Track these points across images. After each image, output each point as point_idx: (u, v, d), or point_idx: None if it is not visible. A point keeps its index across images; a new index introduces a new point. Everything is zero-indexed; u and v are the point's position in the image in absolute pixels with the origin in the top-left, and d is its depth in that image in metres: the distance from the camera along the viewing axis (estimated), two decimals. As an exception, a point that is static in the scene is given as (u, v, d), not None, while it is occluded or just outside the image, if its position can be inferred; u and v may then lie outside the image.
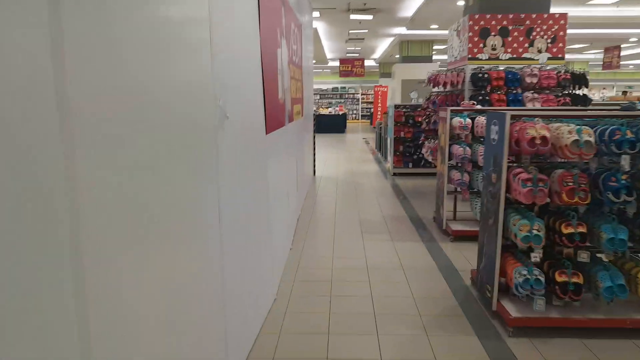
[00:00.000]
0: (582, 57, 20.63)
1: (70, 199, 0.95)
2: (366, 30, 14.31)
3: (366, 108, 27.64)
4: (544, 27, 6.11)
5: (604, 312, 2.96)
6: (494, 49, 6.22)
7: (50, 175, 0.89)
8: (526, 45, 6.17)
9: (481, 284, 3.38)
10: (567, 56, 6.70)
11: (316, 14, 11.32)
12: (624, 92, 21.53)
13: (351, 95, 27.99)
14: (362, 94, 27.89)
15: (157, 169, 1.39)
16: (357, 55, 21.71)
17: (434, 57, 15.66)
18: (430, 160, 7.07)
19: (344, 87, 27.97)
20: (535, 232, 2.87)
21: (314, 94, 26.30)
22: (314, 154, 9.26)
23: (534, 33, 6.13)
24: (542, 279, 2.89)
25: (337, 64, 22.53)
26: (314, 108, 20.94)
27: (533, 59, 6.18)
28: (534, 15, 6.10)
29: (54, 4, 0.91)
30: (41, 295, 0.86)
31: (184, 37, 1.66)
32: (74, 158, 0.96)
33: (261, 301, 3.06)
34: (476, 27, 6.18)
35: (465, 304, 3.40)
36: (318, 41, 16.06)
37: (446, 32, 13.86)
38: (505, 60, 6.21)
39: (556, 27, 6.10)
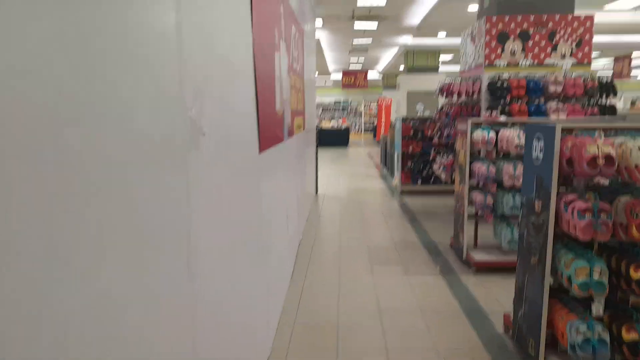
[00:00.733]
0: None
1: None
2: (370, 40, 13.83)
3: (369, 122, 27.13)
4: (568, 29, 5.54)
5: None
6: (513, 55, 5.64)
7: None
8: (549, 49, 5.60)
9: (520, 336, 2.75)
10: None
11: (319, 21, 10.84)
12: (633, 103, 20.90)
13: (354, 109, 27.52)
14: (365, 107, 27.42)
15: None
16: (361, 66, 21.27)
17: (440, 69, 15.13)
18: (442, 177, 6.47)
19: (347, 101, 27.53)
20: (596, 277, 2.25)
21: (317, 107, 25.92)
22: (317, 170, 8.67)
23: (557, 37, 5.57)
24: (607, 338, 2.26)
25: (339, 77, 22.12)
26: (316, 121, 20.49)
27: (556, 66, 5.60)
28: (557, 17, 5.53)
29: None
30: None
31: (131, 17, 1.08)
32: None
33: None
34: (494, 31, 5.62)
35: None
36: (321, 52, 15.61)
37: (454, 40, 13.41)
38: (525, 67, 5.63)
39: (582, 29, 5.53)
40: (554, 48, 5.60)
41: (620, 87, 7.32)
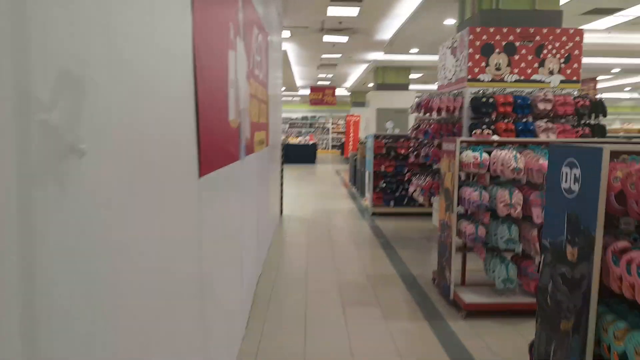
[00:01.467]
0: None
1: None
2: (340, 55, 13.36)
3: (337, 138, 26.74)
4: (557, 44, 5.13)
5: None
6: (498, 69, 5.18)
7: None
8: (536, 65, 5.16)
9: (541, 418, 2.11)
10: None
11: (287, 33, 10.24)
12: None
13: (321, 125, 27.08)
14: (332, 124, 27.03)
15: None
16: (329, 83, 20.84)
17: (410, 87, 14.78)
18: (420, 200, 5.89)
19: (314, 116, 27.07)
20: (660, 355, 1.64)
21: (283, 122, 25.29)
22: (282, 190, 7.96)
23: (545, 51, 5.14)
24: None
25: (307, 92, 21.62)
26: (283, 137, 19.81)
27: (543, 82, 5.17)
28: (544, 30, 5.11)
29: None
30: None
31: None
32: None
33: None
34: (477, 43, 5.14)
35: None
36: (288, 66, 15.01)
37: (426, 57, 13.08)
38: (511, 82, 5.17)
39: (570, 44, 5.13)
40: (541, 63, 5.17)
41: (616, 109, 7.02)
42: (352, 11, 8.45)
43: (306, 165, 18.01)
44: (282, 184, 7.98)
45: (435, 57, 13.25)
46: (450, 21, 8.33)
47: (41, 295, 0.83)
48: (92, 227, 1.01)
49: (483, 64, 5.18)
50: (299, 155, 18.68)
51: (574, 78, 5.17)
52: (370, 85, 17.73)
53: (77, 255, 0.95)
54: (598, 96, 5.22)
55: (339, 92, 22.96)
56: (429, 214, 7.23)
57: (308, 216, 7.72)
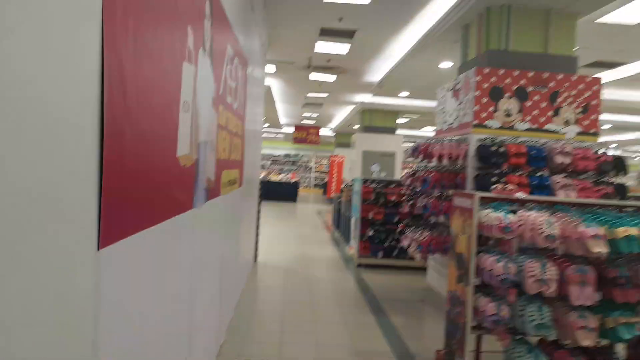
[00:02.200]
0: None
1: None
2: (326, 95, 12.90)
3: (319, 177, 26.15)
4: (573, 92, 4.63)
5: None
6: (508, 115, 4.62)
7: None
8: (550, 113, 4.63)
9: None
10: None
11: (272, 68, 9.71)
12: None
13: (304, 163, 26.52)
14: (315, 163, 26.50)
15: None
16: (314, 122, 20.42)
17: (397, 132, 14.35)
18: (417, 258, 5.18)
19: (297, 154, 26.53)
20: None
21: (265, 159, 24.63)
22: (257, 231, 7.14)
23: (560, 99, 4.63)
24: None
25: (291, 130, 21.15)
26: (264, 173, 19.09)
27: (558, 132, 4.63)
28: (559, 76, 4.62)
29: None
30: None
31: None
32: None
33: None
34: (485, 85, 4.60)
35: None
36: (272, 103, 14.48)
37: (416, 101, 12.73)
38: (522, 131, 4.62)
39: (588, 93, 4.64)
40: (556, 112, 4.64)
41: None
42: (342, 48, 7.93)
43: (287, 204, 17.26)
44: (258, 226, 7.18)
45: (425, 103, 13.02)
46: (447, 64, 7.92)
47: None
48: None
49: (491, 108, 4.63)
50: (280, 192, 18.04)
51: (592, 130, 4.64)
52: (356, 127, 17.32)
53: None
54: (612, 153, 4.70)
55: (323, 132, 22.56)
56: (422, 269, 6.50)
57: (286, 264, 6.89)
